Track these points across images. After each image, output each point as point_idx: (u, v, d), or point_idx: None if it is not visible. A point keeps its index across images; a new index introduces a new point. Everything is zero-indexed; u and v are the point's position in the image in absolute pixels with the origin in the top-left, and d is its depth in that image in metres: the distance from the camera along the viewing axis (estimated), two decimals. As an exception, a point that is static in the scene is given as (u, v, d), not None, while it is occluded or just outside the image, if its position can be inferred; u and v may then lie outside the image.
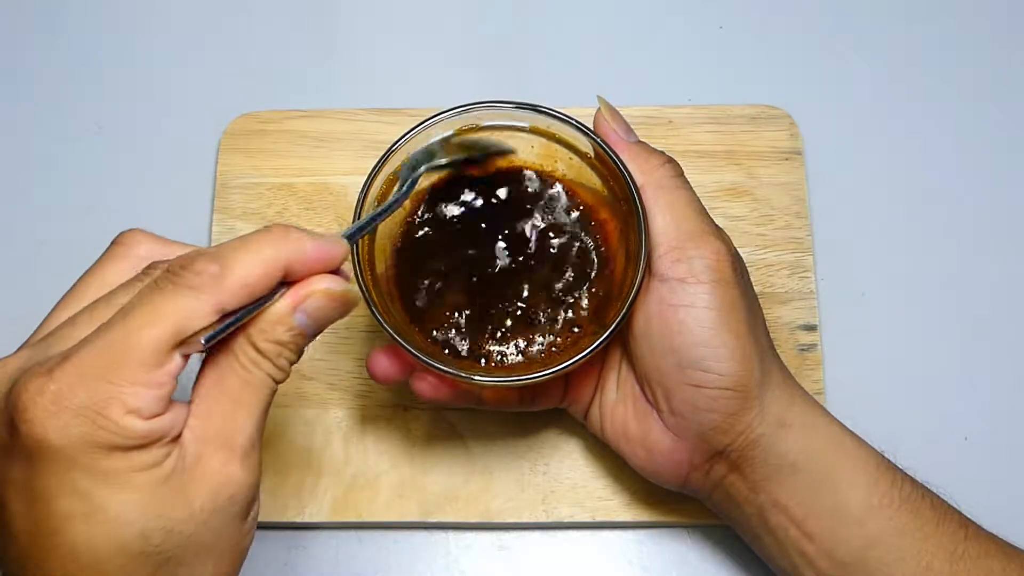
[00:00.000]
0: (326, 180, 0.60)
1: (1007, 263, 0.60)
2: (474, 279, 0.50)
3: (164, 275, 0.36)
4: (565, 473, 0.54)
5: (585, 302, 0.50)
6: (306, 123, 0.61)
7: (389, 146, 0.49)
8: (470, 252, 0.50)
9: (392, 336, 0.46)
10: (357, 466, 0.54)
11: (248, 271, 0.36)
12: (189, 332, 0.35)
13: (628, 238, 0.48)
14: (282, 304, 0.37)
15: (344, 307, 0.39)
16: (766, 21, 0.66)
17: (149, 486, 0.35)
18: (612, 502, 0.54)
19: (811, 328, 0.56)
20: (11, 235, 0.61)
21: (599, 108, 0.50)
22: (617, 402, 0.50)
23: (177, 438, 0.36)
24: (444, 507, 0.54)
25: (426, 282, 0.50)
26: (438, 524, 0.54)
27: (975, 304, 0.59)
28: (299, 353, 0.39)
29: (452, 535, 0.54)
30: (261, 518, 0.53)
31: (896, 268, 0.59)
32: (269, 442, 0.55)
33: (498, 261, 0.50)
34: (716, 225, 0.48)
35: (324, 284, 0.38)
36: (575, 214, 0.51)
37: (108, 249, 0.41)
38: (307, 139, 0.61)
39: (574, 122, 0.49)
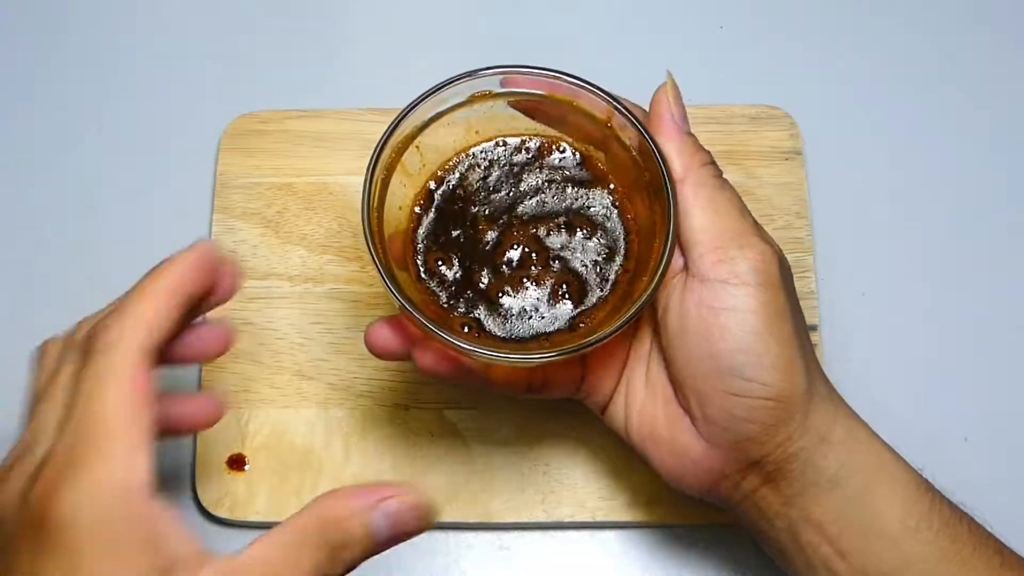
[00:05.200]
0: (326, 180, 0.60)
1: (1008, 263, 0.60)
2: (489, 254, 0.48)
3: (81, 353, 0.39)
4: (565, 473, 0.54)
5: (606, 284, 0.48)
6: (306, 123, 0.61)
7: (400, 112, 0.47)
8: (485, 225, 0.49)
9: (401, 302, 0.43)
10: (357, 466, 0.54)
11: (147, 300, 0.40)
12: (133, 390, 0.38)
13: (654, 218, 0.46)
14: (363, 499, 0.38)
15: (423, 522, 0.40)
16: (766, 21, 0.66)
17: None
18: (612, 502, 0.54)
19: (811, 328, 0.56)
20: (11, 235, 0.61)
21: (664, 83, 0.49)
22: (646, 401, 0.47)
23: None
24: (444, 507, 0.53)
25: (438, 253, 0.49)
26: (438, 524, 0.54)
27: (975, 304, 0.59)
28: (361, 558, 0.39)
29: (452, 535, 0.54)
30: (261, 518, 0.54)
31: (896, 268, 0.59)
32: (269, 442, 0.55)
33: (514, 236, 0.49)
34: (760, 227, 0.46)
35: (410, 495, 0.39)
36: (597, 192, 0.49)
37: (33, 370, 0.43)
38: (307, 139, 0.61)
39: (592, 88, 0.48)
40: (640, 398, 0.47)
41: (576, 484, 0.54)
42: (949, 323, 0.58)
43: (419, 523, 0.40)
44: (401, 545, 0.54)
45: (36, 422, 0.39)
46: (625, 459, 0.54)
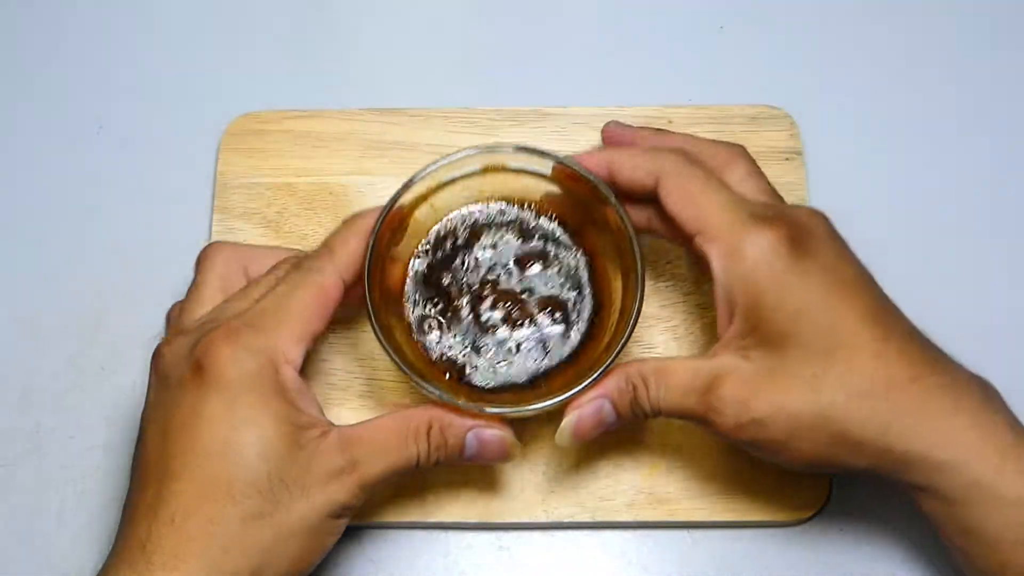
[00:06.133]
0: (326, 180, 0.60)
1: (1009, 264, 0.60)
2: (470, 314, 0.52)
3: (294, 265, 0.49)
4: (565, 473, 0.54)
5: (571, 351, 0.51)
6: (306, 123, 0.61)
7: (404, 183, 0.50)
8: (468, 287, 0.52)
9: (407, 372, 0.47)
10: (357, 466, 0.54)
11: (349, 246, 0.49)
12: (327, 298, 0.47)
13: (625, 292, 0.50)
14: (465, 420, 0.47)
15: (503, 455, 0.48)
16: (766, 21, 0.66)
17: (286, 437, 0.44)
18: (612, 502, 0.54)
19: (811, 328, 0.56)
20: (11, 235, 0.61)
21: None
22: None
23: (323, 427, 0.46)
24: (444, 507, 0.53)
25: (426, 306, 0.52)
26: (438, 524, 0.54)
27: (976, 305, 0.59)
28: (443, 461, 0.47)
29: (452, 535, 0.54)
30: (261, 518, 0.54)
31: (897, 268, 0.59)
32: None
33: (494, 298, 0.52)
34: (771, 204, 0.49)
35: (504, 431, 0.48)
36: (579, 259, 0.53)
37: (198, 266, 0.51)
38: (307, 139, 0.61)
39: (593, 178, 0.50)
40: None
41: (576, 484, 0.54)
42: (950, 324, 0.58)
43: (501, 456, 0.48)
44: (401, 545, 0.54)
45: (230, 306, 0.48)
46: (625, 459, 0.54)
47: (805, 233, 0.47)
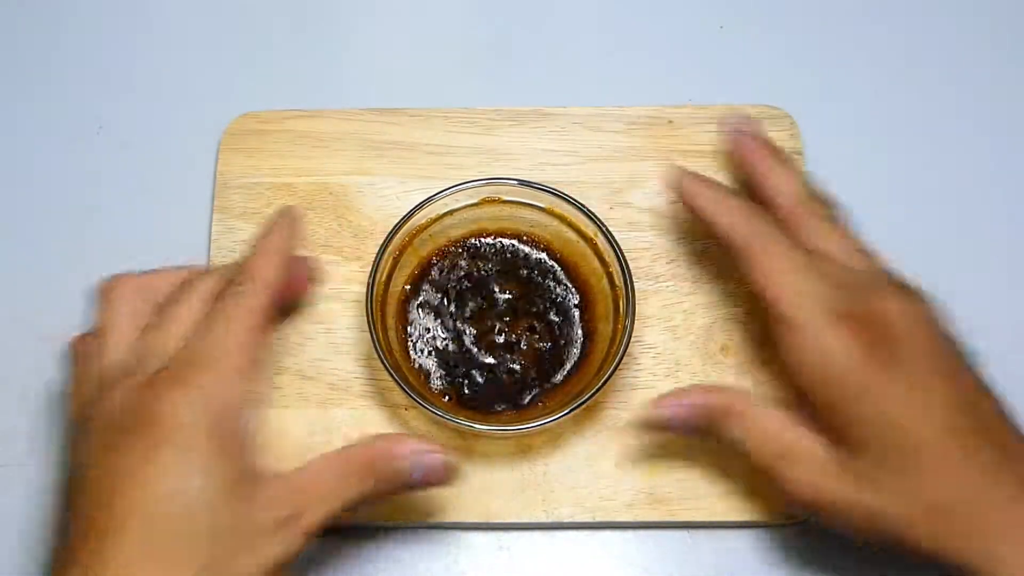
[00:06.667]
0: (326, 180, 0.60)
1: (1009, 264, 0.60)
2: (466, 341, 0.54)
3: (217, 296, 0.48)
4: (565, 473, 0.54)
5: (561, 376, 0.54)
6: (306, 123, 0.61)
7: (404, 214, 0.53)
8: (466, 315, 0.55)
9: (403, 386, 0.50)
10: (357, 466, 0.54)
11: (268, 265, 0.50)
12: (260, 319, 0.48)
13: (616, 319, 0.52)
14: (408, 448, 0.47)
15: (447, 478, 0.48)
16: (766, 21, 0.66)
17: (235, 489, 0.43)
18: (612, 502, 0.54)
19: (811, 328, 0.56)
20: (12, 235, 0.61)
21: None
22: None
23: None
24: (444, 507, 0.54)
25: (422, 330, 0.55)
26: (438, 524, 0.54)
27: (976, 306, 0.59)
28: (392, 492, 0.47)
29: (452, 535, 0.54)
30: (261, 518, 0.54)
31: (897, 269, 0.59)
32: (269, 442, 0.55)
33: (489, 326, 0.55)
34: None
35: (444, 457, 0.47)
36: (573, 286, 0.55)
37: (102, 303, 0.50)
38: (307, 139, 0.61)
39: (587, 209, 0.53)
40: None
41: (576, 484, 0.54)
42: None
43: (445, 480, 0.48)
44: (401, 545, 0.54)
45: (155, 342, 0.47)
46: (626, 459, 0.54)
47: (886, 337, 0.46)
